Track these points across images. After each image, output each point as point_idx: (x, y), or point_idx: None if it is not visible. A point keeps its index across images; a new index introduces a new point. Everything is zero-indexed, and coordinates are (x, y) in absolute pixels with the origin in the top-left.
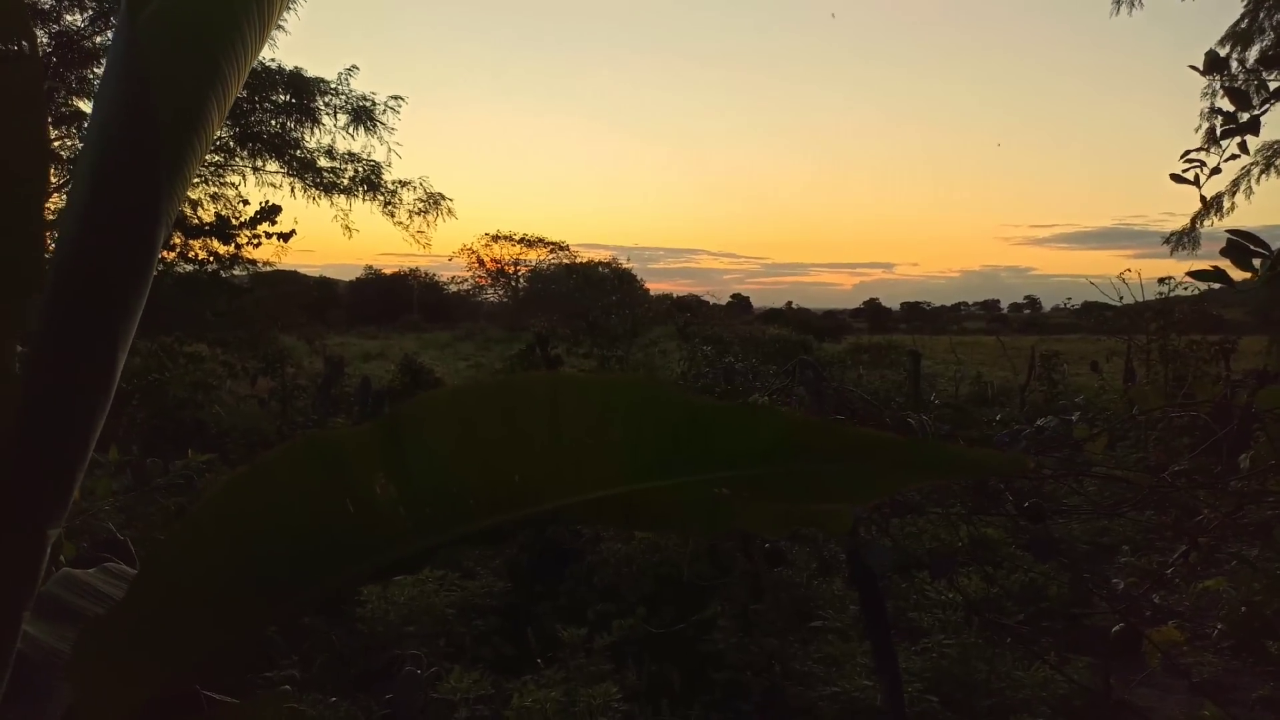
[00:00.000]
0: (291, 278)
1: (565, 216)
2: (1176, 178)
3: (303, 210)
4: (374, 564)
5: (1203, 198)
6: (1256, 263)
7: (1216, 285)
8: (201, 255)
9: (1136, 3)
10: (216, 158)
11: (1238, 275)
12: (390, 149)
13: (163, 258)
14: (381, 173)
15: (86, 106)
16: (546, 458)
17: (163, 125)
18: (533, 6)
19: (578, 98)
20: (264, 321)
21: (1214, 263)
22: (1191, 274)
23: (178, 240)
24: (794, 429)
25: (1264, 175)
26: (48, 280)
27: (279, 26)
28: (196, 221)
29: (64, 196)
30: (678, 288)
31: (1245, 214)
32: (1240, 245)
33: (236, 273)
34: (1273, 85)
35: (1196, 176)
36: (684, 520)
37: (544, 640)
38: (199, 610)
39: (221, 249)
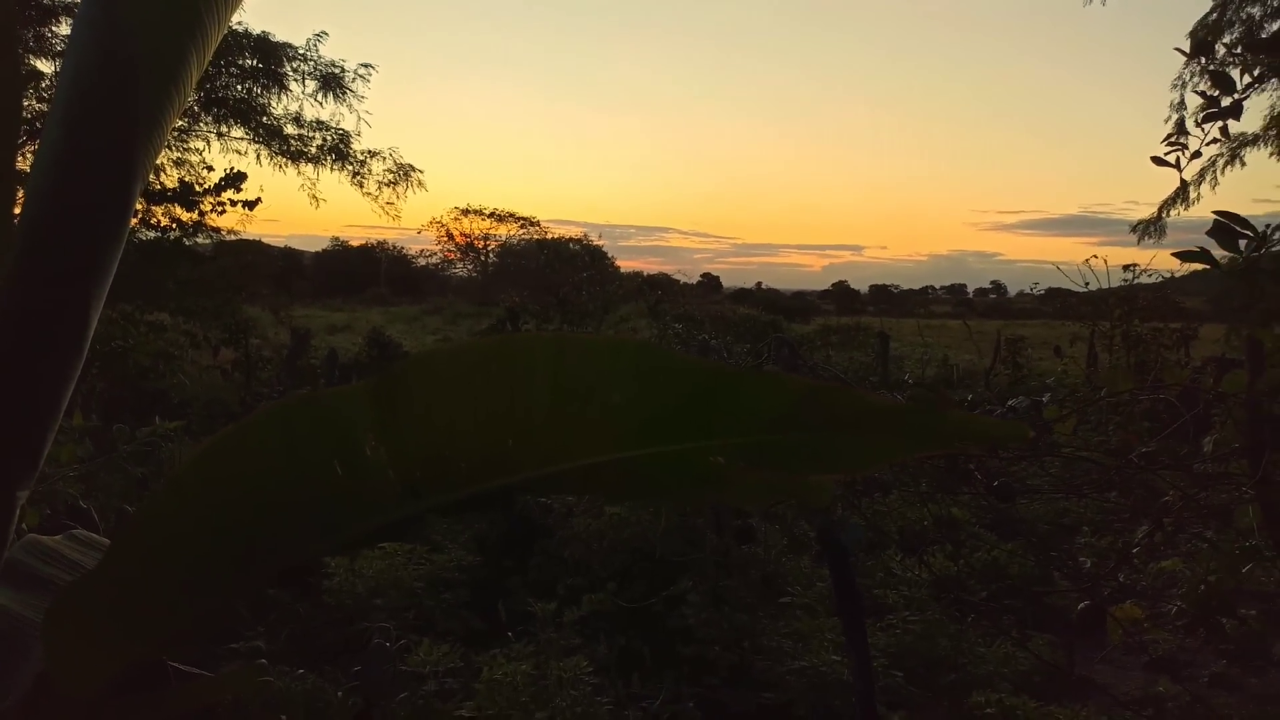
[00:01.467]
0: (256, 247)
1: (536, 192)
2: (1159, 160)
3: (269, 178)
4: (361, 528)
5: (1183, 180)
6: (1241, 244)
7: (1199, 266)
8: (164, 222)
9: None
10: (181, 122)
11: (1220, 256)
12: (360, 118)
13: None
14: (350, 142)
15: (45, 66)
16: (544, 422)
17: (140, 74)
18: None
19: (551, 74)
20: (227, 291)
21: (1181, 249)
22: (1177, 254)
23: (140, 206)
24: (805, 395)
25: (1229, 166)
26: (17, 235)
27: None
28: (159, 187)
29: (28, 156)
30: (648, 266)
31: (1211, 203)
32: (1226, 227)
33: (200, 240)
34: (1257, 71)
35: (1178, 159)
36: (676, 489)
37: (514, 614)
38: (180, 577)
39: (184, 216)
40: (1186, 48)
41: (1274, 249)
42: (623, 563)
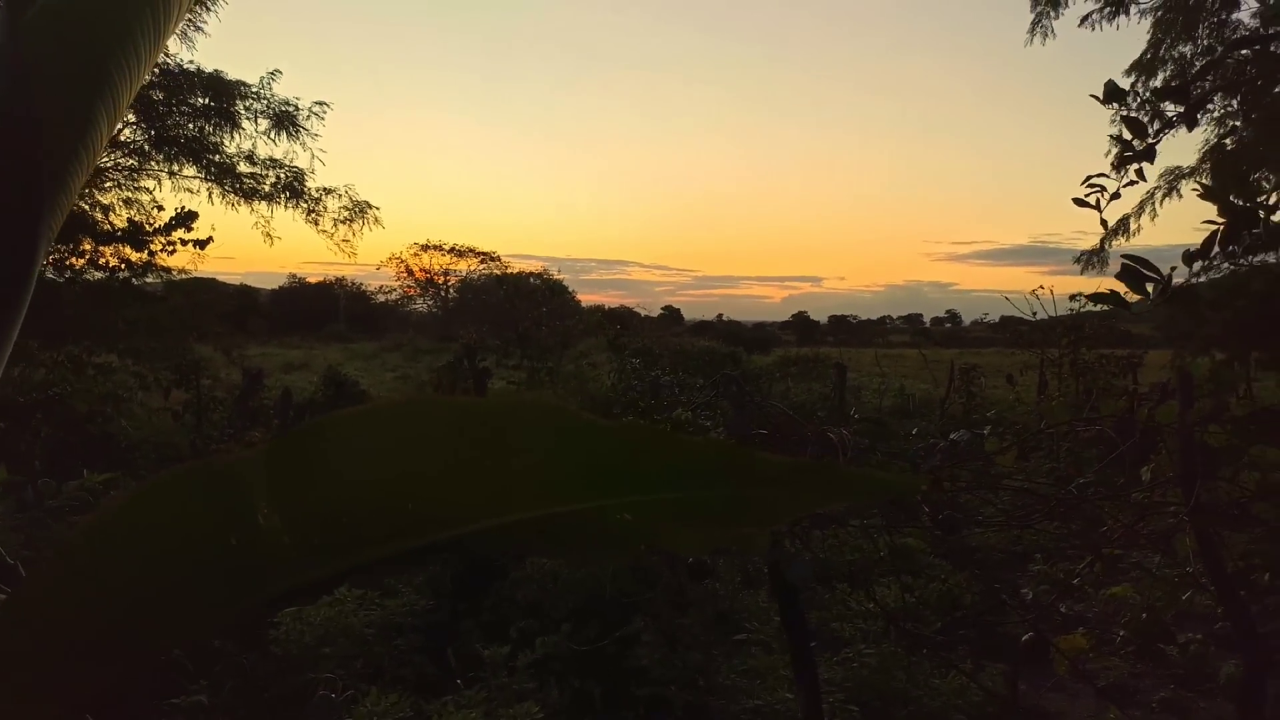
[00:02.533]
0: (209, 285)
1: (497, 227)
2: (1079, 201)
3: (223, 217)
4: (259, 596)
5: (1103, 221)
6: (1149, 286)
7: (1102, 307)
8: (113, 262)
9: (1049, 33)
10: (130, 161)
11: (1133, 298)
12: (314, 155)
13: (71, 264)
14: (304, 179)
15: None
16: (447, 485)
17: (46, 133)
18: (461, 17)
19: (510, 109)
20: (178, 331)
21: (1095, 292)
22: (1091, 297)
23: (88, 246)
24: (707, 456)
25: (1166, 199)
26: None
27: (199, 29)
28: (108, 227)
29: None
30: (610, 299)
31: (1150, 234)
32: (1134, 270)
33: (150, 280)
34: (1165, 118)
35: (1098, 200)
36: (598, 546)
37: (468, 659)
38: (68, 652)
39: (134, 256)
40: (1126, 84)
41: (1214, 275)
42: (577, 603)
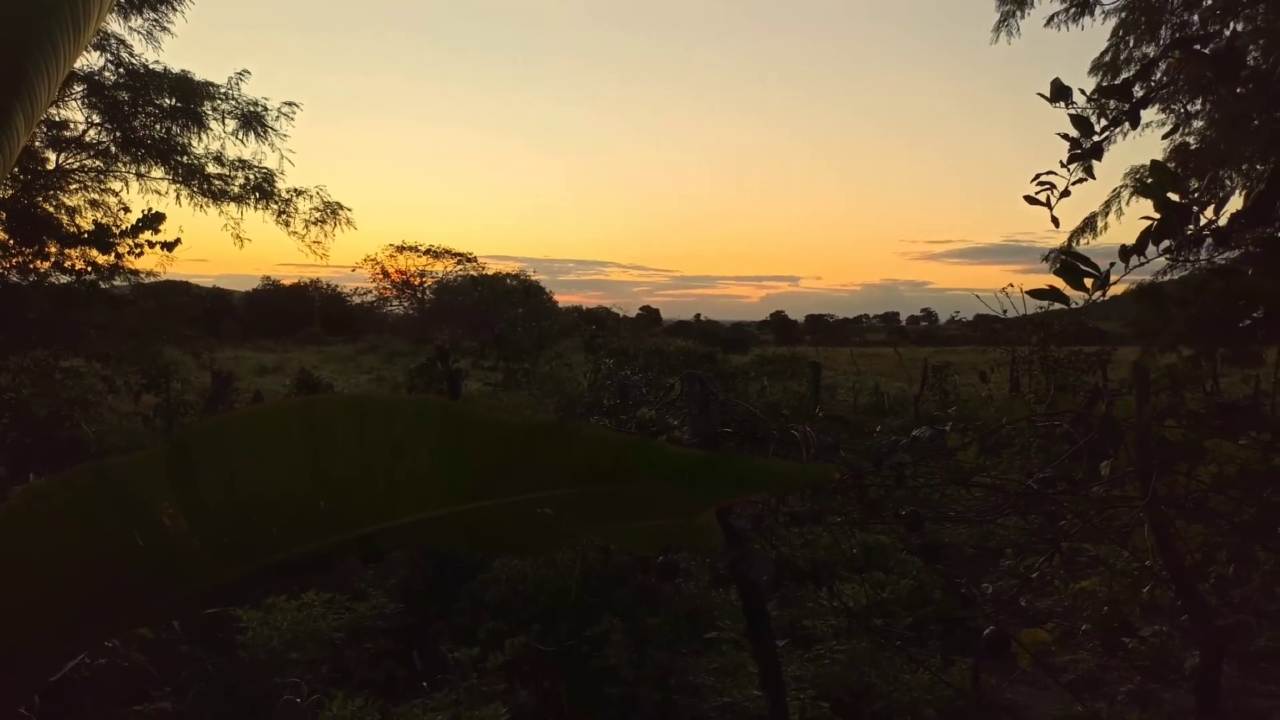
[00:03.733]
0: (180, 288)
1: (473, 228)
2: (1030, 199)
3: (194, 219)
4: (172, 598)
5: (1054, 218)
6: (1088, 282)
7: (1055, 304)
8: (79, 265)
9: (1015, 31)
10: (96, 163)
11: (1072, 293)
12: (283, 156)
13: (36, 268)
14: (274, 180)
15: None
16: (355, 482)
17: None
18: (434, 18)
19: (488, 111)
20: (147, 334)
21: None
22: (1030, 293)
23: (53, 249)
24: (605, 448)
25: (1134, 198)
26: None
27: (165, 29)
28: (74, 230)
29: None
30: (587, 300)
31: (1117, 232)
32: (1072, 266)
33: (117, 283)
34: (1112, 113)
35: (1048, 199)
36: (516, 541)
37: (438, 661)
38: None
39: (100, 259)
40: (1090, 84)
41: (1181, 274)
42: (546, 604)
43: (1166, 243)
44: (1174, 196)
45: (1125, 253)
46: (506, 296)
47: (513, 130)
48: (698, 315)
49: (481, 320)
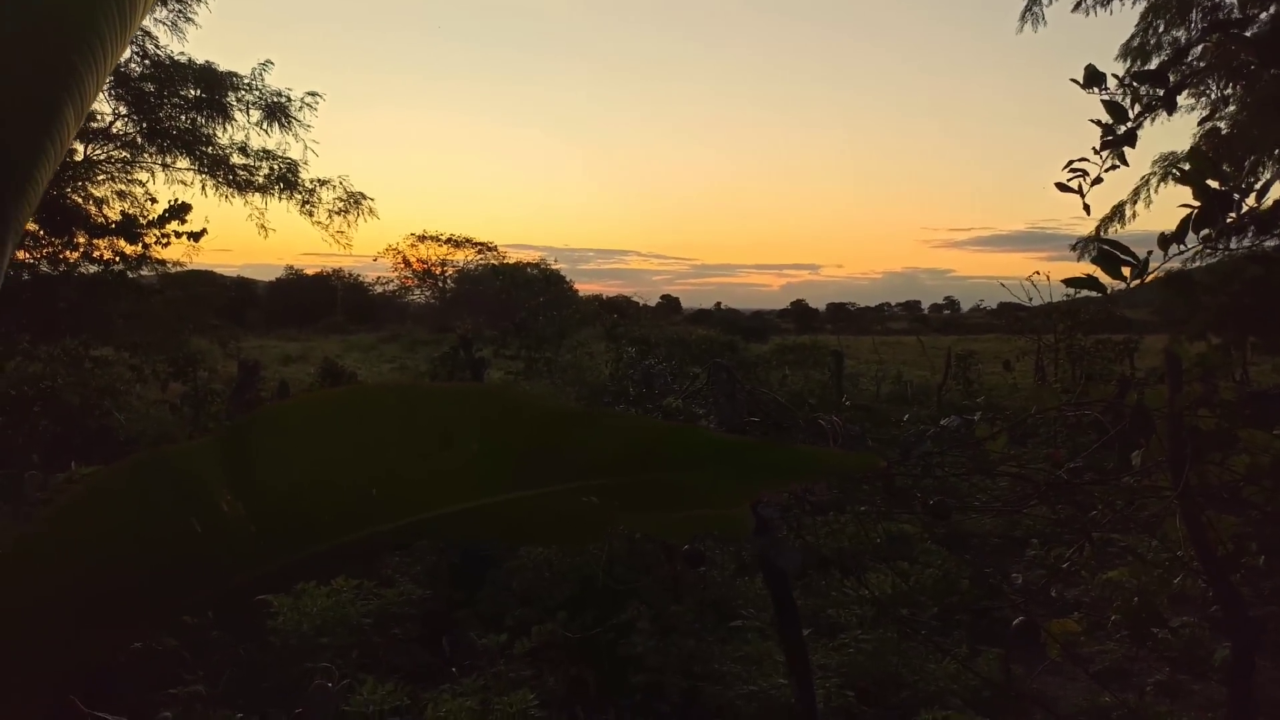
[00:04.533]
0: (206, 278)
1: (494, 217)
2: (1062, 186)
3: (218, 209)
4: (226, 584)
5: (1085, 206)
6: (1126, 271)
7: (1083, 292)
8: (107, 255)
9: (1040, 19)
10: (123, 154)
11: (1110, 282)
12: (307, 146)
13: (65, 258)
14: (298, 171)
15: None
16: (405, 471)
17: (10, 126)
18: (458, 9)
19: (506, 99)
20: (175, 324)
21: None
22: (1067, 281)
23: (82, 240)
24: (651, 435)
25: (1162, 184)
26: None
27: (189, 20)
28: (102, 220)
29: None
30: (607, 289)
31: (1147, 219)
32: (1111, 255)
33: (145, 273)
34: (1147, 99)
35: (1080, 185)
36: (557, 530)
37: (465, 648)
38: (38, 638)
39: (128, 249)
40: (1120, 69)
41: (1210, 261)
42: (572, 591)
43: (1206, 231)
44: (1214, 184)
45: (1165, 241)
46: (527, 285)
47: (533, 119)
48: (718, 303)
49: (502, 309)
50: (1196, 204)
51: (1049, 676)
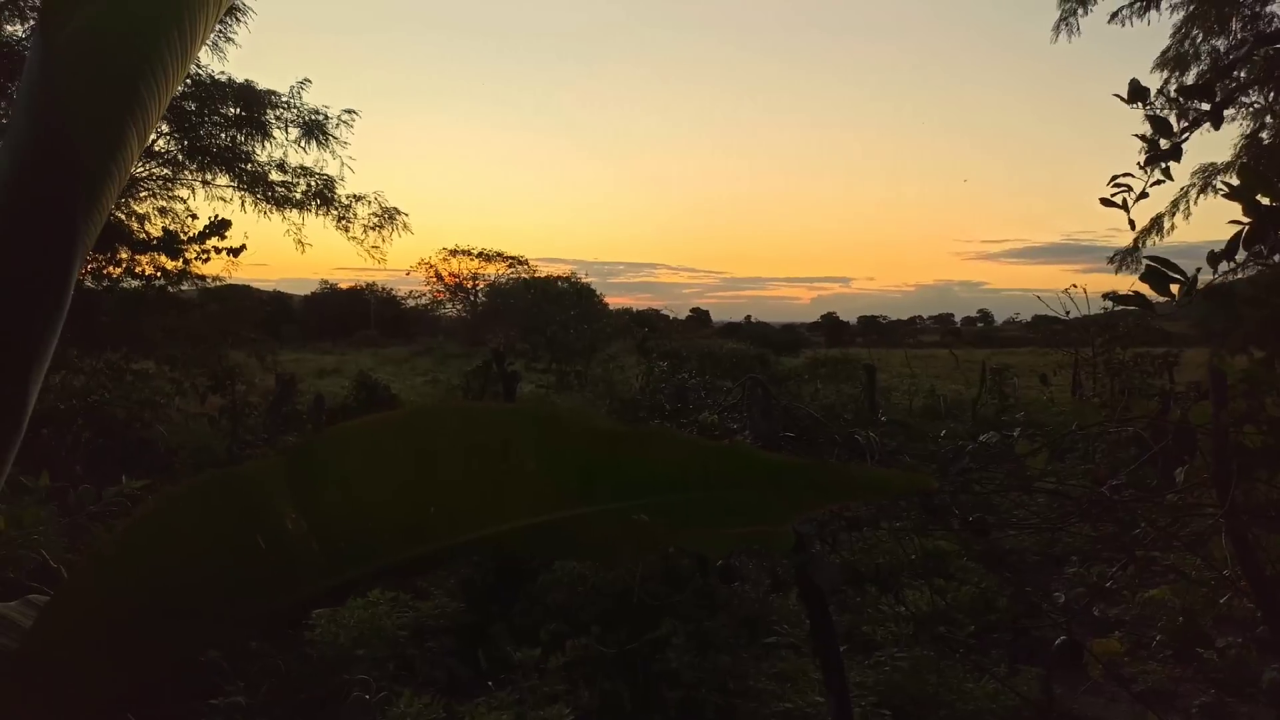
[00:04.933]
0: (243, 292)
1: (524, 230)
2: (1106, 201)
3: (254, 224)
4: (289, 598)
5: (1131, 221)
6: (1174, 288)
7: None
8: (148, 270)
9: (1075, 29)
10: (164, 171)
11: (1156, 298)
12: (343, 163)
13: (108, 273)
14: (334, 187)
15: None
16: (462, 488)
17: (79, 154)
18: (488, 22)
19: (535, 112)
20: (214, 338)
21: (1115, 293)
22: (1111, 297)
23: (124, 255)
24: (704, 454)
25: (1201, 195)
26: None
27: (229, 40)
28: (144, 236)
29: None
30: (637, 302)
31: (1185, 231)
32: (1158, 272)
33: (185, 288)
34: (1192, 115)
35: (1124, 200)
36: (609, 547)
37: (499, 661)
38: (107, 650)
39: (169, 264)
40: (1158, 80)
41: (1250, 272)
42: (606, 606)
43: (1258, 247)
44: (1264, 200)
45: (1214, 258)
46: (558, 299)
47: (562, 131)
48: (748, 317)
49: (533, 323)
50: (1247, 220)
51: (1090, 697)
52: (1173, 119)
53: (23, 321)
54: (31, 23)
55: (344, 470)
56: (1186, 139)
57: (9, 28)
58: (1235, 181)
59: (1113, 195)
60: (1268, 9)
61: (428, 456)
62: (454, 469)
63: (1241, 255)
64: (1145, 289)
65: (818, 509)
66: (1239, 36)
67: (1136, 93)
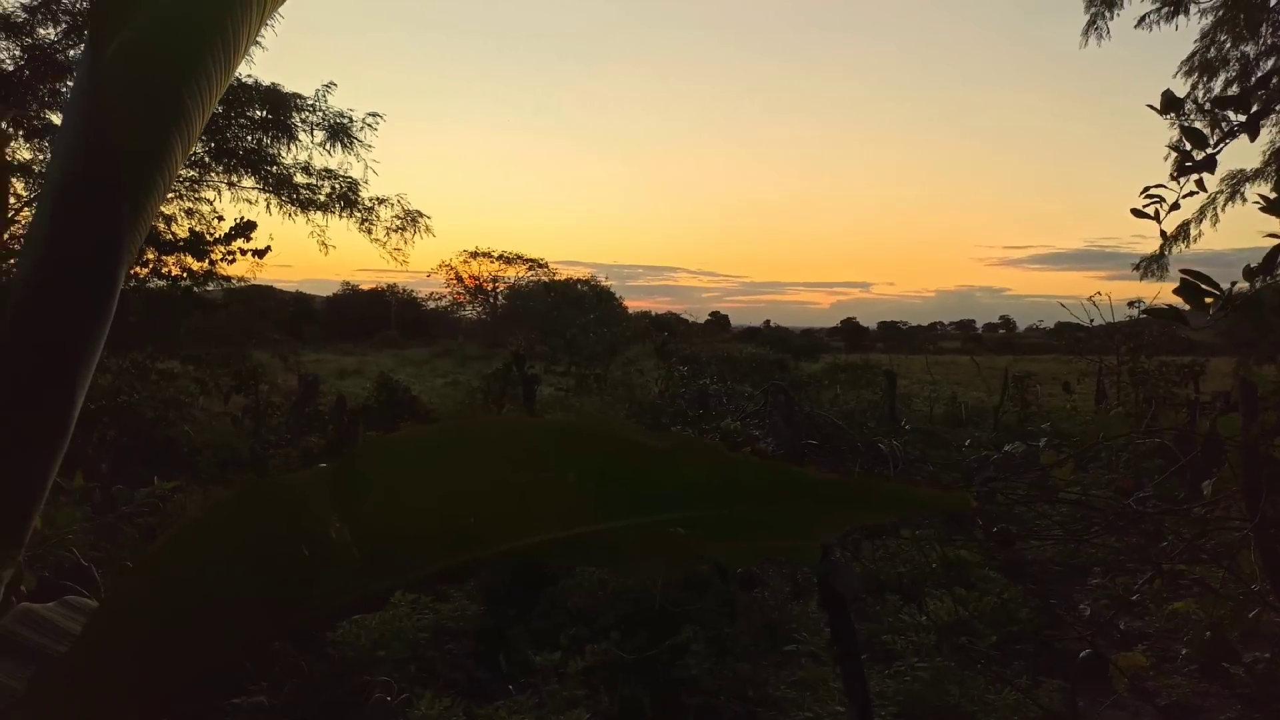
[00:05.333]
0: (267, 293)
1: (545, 233)
2: (1137, 212)
3: (279, 225)
4: (331, 604)
5: (1163, 232)
6: (1209, 300)
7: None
8: (175, 271)
9: (1105, 33)
10: (191, 173)
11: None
12: (367, 166)
13: (135, 273)
14: (358, 189)
15: (59, 119)
16: (504, 500)
17: (125, 165)
18: (510, 26)
19: (557, 115)
20: (238, 338)
21: (1170, 302)
22: (1148, 311)
23: (151, 256)
24: (742, 471)
25: (1229, 203)
26: (5, 321)
27: (256, 43)
28: (170, 237)
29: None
30: (656, 305)
31: (1212, 239)
32: (1193, 286)
33: (210, 288)
34: (1226, 126)
35: (1156, 212)
36: (644, 559)
37: (518, 665)
38: (154, 653)
39: (195, 265)
40: (1185, 85)
41: (1276, 281)
42: (626, 611)
43: None
44: None
45: (1250, 272)
46: (578, 302)
47: (582, 135)
48: (767, 321)
49: (553, 326)
50: None
51: (1114, 711)
52: (1205, 129)
53: (69, 330)
54: (64, 27)
55: (388, 479)
56: (1221, 150)
57: (41, 31)
58: (1268, 192)
59: (1145, 206)
60: None
61: (470, 468)
62: (495, 480)
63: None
64: (1175, 299)
65: (853, 525)
66: (1269, 42)
67: (1170, 103)
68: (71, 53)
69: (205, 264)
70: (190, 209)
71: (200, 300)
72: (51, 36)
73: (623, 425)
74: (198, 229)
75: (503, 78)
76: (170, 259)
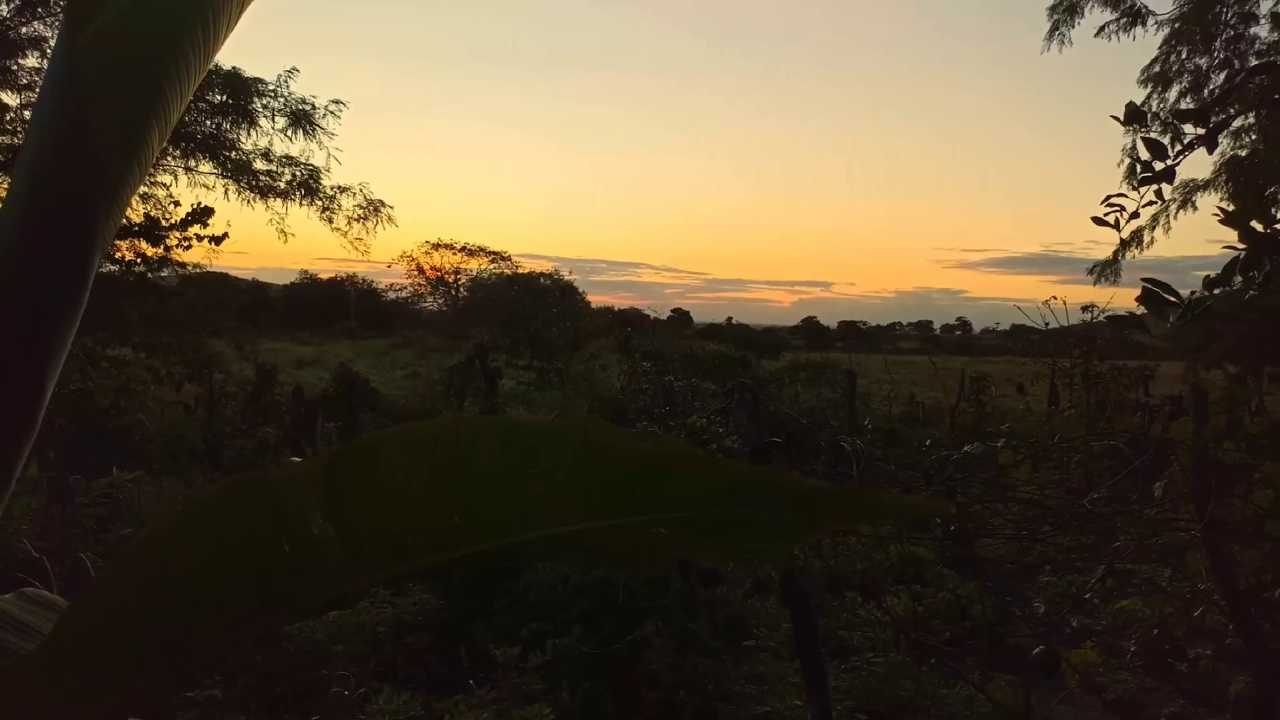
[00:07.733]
0: (222, 281)
1: (508, 226)
2: (1098, 220)
3: (237, 212)
4: (312, 600)
5: (1122, 240)
6: (1168, 309)
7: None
8: (128, 256)
9: (1066, 40)
10: None
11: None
12: (330, 154)
13: None
14: (320, 178)
15: (10, 99)
16: (491, 499)
17: (101, 151)
18: (475, 19)
19: (520, 109)
20: (192, 326)
21: (1131, 308)
22: (1110, 319)
23: None
24: (726, 475)
25: (1180, 211)
26: None
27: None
28: (124, 221)
29: None
30: (620, 301)
31: (1164, 246)
32: (1155, 294)
33: (164, 275)
34: (1187, 138)
35: (1116, 220)
36: (625, 557)
37: (479, 659)
38: (132, 650)
39: (150, 250)
40: (1141, 94)
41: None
42: (588, 605)
43: (1253, 273)
44: (1259, 226)
45: (1210, 283)
46: (540, 296)
47: (546, 129)
48: (729, 318)
49: (515, 319)
50: (1242, 246)
51: (1063, 706)
52: (1165, 140)
53: (41, 318)
54: (16, 3)
55: (376, 477)
56: (1181, 161)
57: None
58: (1220, 201)
59: (1105, 214)
60: (1250, 30)
61: (461, 467)
62: (484, 480)
63: (1237, 280)
64: (1131, 304)
65: (837, 530)
66: (1221, 56)
67: (1133, 115)
68: (24, 29)
69: (160, 249)
70: (145, 193)
71: (154, 286)
72: (3, 12)
73: (617, 429)
74: (153, 213)
75: (468, 72)
76: (123, 244)
